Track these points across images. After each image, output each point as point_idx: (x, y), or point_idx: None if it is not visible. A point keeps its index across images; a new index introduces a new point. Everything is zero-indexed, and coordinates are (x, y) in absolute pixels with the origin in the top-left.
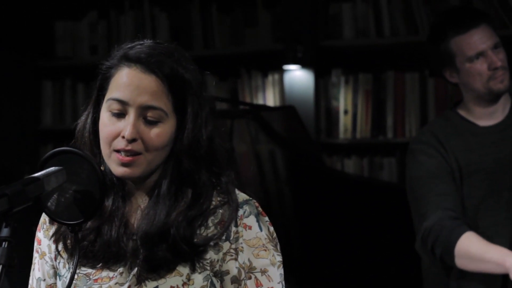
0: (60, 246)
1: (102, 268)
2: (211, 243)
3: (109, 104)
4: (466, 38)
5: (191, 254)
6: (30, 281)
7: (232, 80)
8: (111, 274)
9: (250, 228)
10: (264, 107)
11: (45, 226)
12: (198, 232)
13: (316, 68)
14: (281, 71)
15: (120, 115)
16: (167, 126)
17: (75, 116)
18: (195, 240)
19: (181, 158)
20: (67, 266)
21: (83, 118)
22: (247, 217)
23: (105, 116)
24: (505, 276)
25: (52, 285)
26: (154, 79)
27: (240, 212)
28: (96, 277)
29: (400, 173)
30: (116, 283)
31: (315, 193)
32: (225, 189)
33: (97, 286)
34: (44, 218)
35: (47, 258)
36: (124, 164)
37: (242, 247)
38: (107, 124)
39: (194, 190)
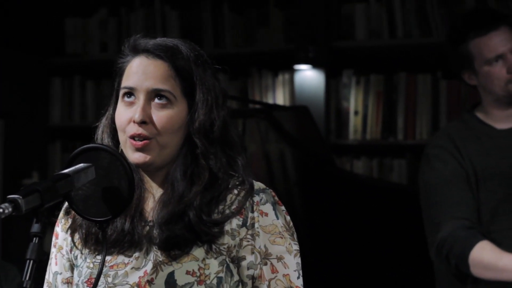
0: (76, 238)
1: (117, 255)
2: (229, 230)
3: (121, 94)
4: (485, 40)
5: (209, 233)
6: (46, 276)
7: (242, 79)
8: (126, 260)
9: (266, 215)
10: (278, 107)
11: (62, 221)
12: (215, 215)
13: (327, 68)
14: (292, 71)
15: (132, 102)
16: (177, 109)
17: (83, 114)
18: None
19: (195, 140)
20: (83, 256)
21: (103, 119)
22: (263, 204)
23: (119, 106)
24: None
25: (68, 278)
26: (160, 64)
27: (257, 198)
28: (112, 264)
29: (410, 175)
30: (132, 268)
31: (325, 194)
32: (240, 171)
33: (113, 272)
34: (62, 213)
35: (63, 251)
36: (138, 149)
37: (258, 232)
38: (120, 112)
39: (211, 172)
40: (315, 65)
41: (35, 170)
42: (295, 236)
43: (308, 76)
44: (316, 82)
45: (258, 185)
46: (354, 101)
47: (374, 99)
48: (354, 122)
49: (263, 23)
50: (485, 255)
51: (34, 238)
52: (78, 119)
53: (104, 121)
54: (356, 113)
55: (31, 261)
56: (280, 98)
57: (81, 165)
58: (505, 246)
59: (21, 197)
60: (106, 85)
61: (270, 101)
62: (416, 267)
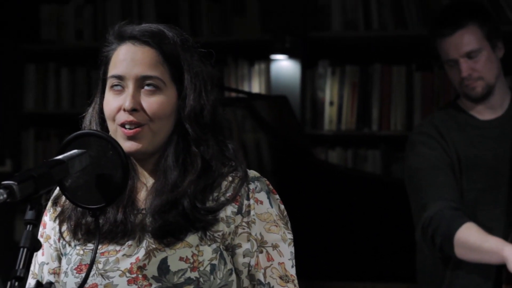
0: (64, 229)
1: (109, 243)
2: (224, 217)
3: (109, 83)
4: (442, 43)
5: (203, 220)
6: (32, 268)
7: (219, 68)
8: (118, 247)
9: (261, 203)
10: (257, 96)
11: (51, 210)
12: (209, 203)
13: (303, 58)
14: (268, 61)
15: (120, 90)
16: (166, 95)
17: (58, 101)
18: (207, 205)
19: (186, 126)
20: (72, 244)
21: (90, 109)
22: (258, 192)
23: (107, 95)
24: (499, 268)
25: (55, 269)
26: (148, 50)
27: (252, 186)
28: (102, 251)
29: (384, 165)
30: (123, 255)
31: (301, 184)
32: (233, 156)
33: (104, 259)
34: (50, 202)
35: (51, 241)
36: (130, 138)
37: (254, 220)
38: (109, 101)
39: (204, 159)
40: (291, 55)
41: (8, 157)
42: (289, 225)
43: (284, 66)
44: (292, 72)
45: (252, 173)
46: (329, 92)
47: (349, 90)
48: (329, 112)
49: (239, 12)
50: (471, 236)
51: (28, 226)
52: (52, 106)
53: (91, 111)
54: (331, 103)
55: (25, 249)
56: (256, 87)
57: (75, 151)
58: None
59: (16, 183)
60: (81, 72)
61: (246, 90)
62: (393, 254)
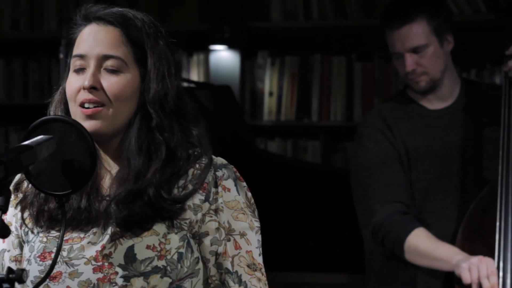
0: (26, 215)
1: (72, 230)
2: (191, 204)
3: (72, 63)
4: (389, 35)
5: (170, 210)
6: None
7: None
8: (82, 234)
9: (229, 190)
10: (200, 84)
11: (12, 196)
12: (176, 191)
13: (242, 49)
14: (207, 51)
15: (82, 70)
16: (129, 76)
17: None
18: (173, 195)
19: (150, 110)
20: (35, 231)
21: (56, 95)
22: (226, 179)
23: (70, 77)
24: None
25: (16, 256)
26: (112, 29)
27: (219, 173)
28: (66, 238)
29: (324, 156)
30: (88, 242)
31: (243, 174)
32: (198, 142)
33: (68, 246)
34: (11, 188)
35: (12, 228)
36: (88, 117)
37: (222, 207)
38: (71, 82)
39: (168, 146)
40: (230, 45)
41: None
42: (256, 213)
43: (223, 56)
44: (231, 63)
45: (219, 160)
46: (269, 82)
47: (289, 80)
48: (268, 103)
49: (178, 2)
50: (420, 243)
51: None
52: None
53: (57, 96)
54: (270, 94)
55: None
56: (194, 78)
57: (42, 137)
58: (436, 226)
59: None
60: (17, 63)
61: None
62: (335, 244)
